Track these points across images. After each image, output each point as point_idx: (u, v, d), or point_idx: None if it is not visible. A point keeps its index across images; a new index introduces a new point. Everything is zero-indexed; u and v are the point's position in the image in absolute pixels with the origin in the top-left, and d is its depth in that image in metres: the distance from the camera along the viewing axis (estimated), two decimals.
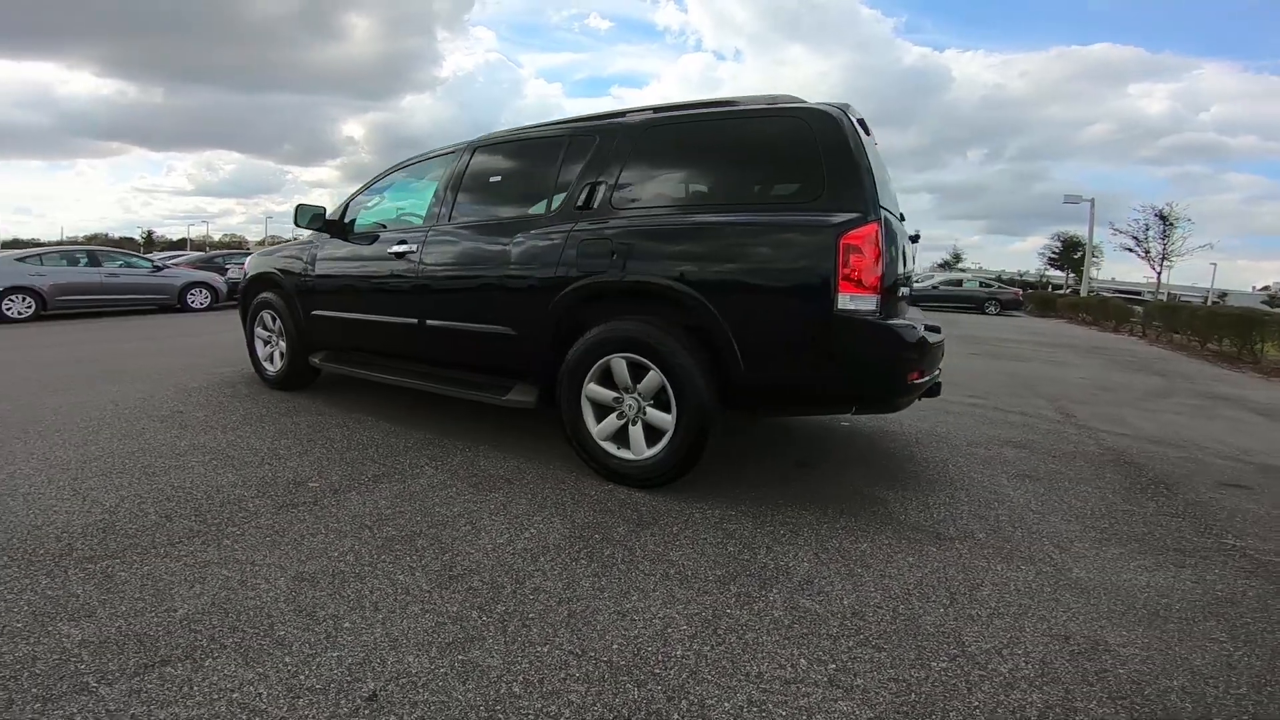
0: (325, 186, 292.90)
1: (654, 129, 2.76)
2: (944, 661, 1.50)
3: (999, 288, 21.82)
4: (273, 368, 4.22)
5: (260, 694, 1.33)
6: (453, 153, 3.44)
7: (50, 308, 9.32)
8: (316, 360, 3.88)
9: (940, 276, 25.60)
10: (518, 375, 2.98)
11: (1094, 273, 34.81)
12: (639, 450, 2.59)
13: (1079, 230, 32.50)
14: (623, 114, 2.96)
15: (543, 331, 2.77)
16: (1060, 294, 28.73)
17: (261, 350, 4.30)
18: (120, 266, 10.65)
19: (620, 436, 2.65)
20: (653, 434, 2.56)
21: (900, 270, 2.65)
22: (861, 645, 1.56)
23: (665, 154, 2.73)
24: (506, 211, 3.12)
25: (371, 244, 3.52)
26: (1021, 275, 54.31)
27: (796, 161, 2.41)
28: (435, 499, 2.44)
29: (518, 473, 2.77)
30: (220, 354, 5.63)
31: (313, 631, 1.56)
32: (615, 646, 1.54)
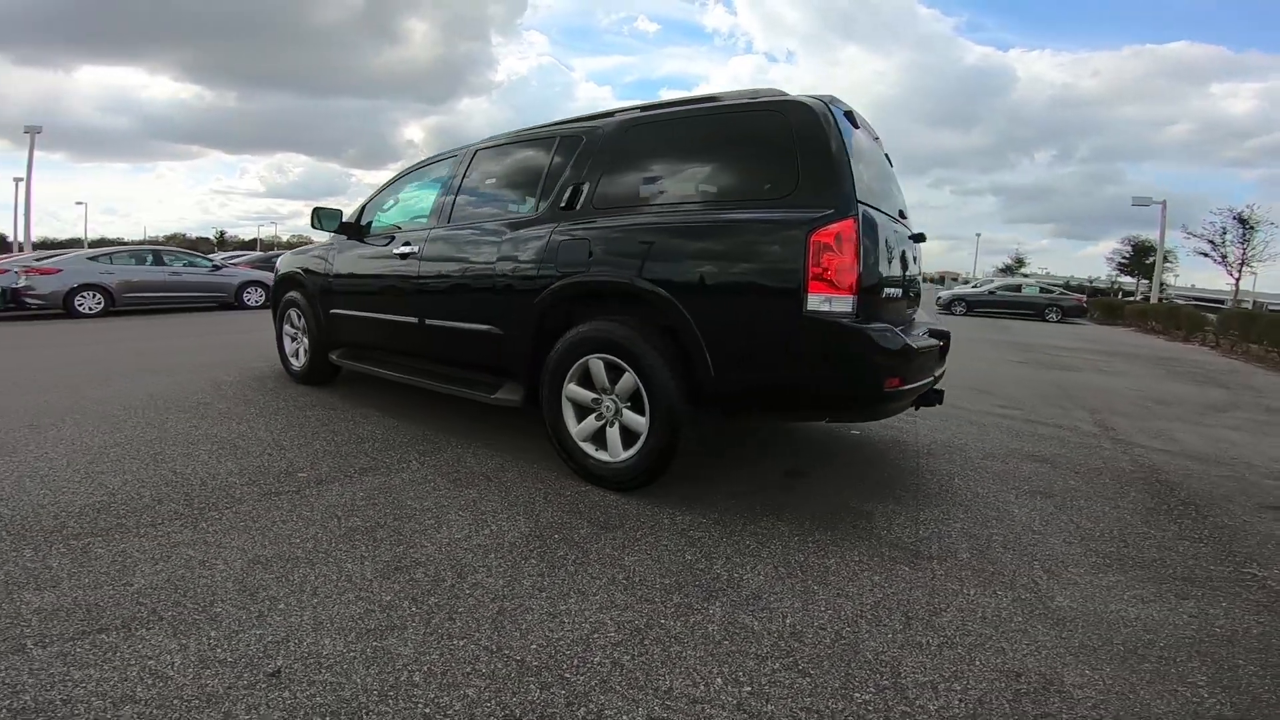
0: None
1: (634, 128, 2.74)
2: (869, 693, 1.40)
3: (1060, 294, 20.52)
4: (297, 363, 4.44)
5: (174, 663, 1.40)
6: (457, 155, 3.52)
7: (118, 304, 10.09)
8: (334, 357, 4.05)
9: (999, 281, 24.32)
10: (506, 374, 3.01)
11: (1171, 279, 32.16)
12: (615, 452, 2.56)
13: (1152, 234, 30.00)
14: (613, 114, 2.95)
15: (526, 331, 2.79)
16: (1129, 301, 26.69)
17: (288, 346, 4.52)
18: (182, 266, 11.40)
19: (599, 438, 2.63)
20: (629, 436, 2.53)
21: (892, 271, 2.53)
22: (788, 669, 1.48)
23: (644, 153, 2.70)
24: (498, 213, 3.16)
25: (382, 245, 3.64)
26: (1091, 281, 50.91)
27: (772, 157, 2.34)
28: (411, 493, 2.49)
29: (499, 470, 2.80)
30: (260, 350, 5.96)
31: (247, 610, 1.62)
32: (533, 647, 1.53)
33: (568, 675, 1.43)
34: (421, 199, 3.63)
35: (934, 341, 2.59)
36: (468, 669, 1.43)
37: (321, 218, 3.85)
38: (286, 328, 4.51)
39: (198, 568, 1.84)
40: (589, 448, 2.65)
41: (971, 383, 5.81)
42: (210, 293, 11.50)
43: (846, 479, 2.84)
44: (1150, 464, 3.37)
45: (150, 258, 11.13)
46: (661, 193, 2.61)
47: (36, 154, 24.12)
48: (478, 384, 3.09)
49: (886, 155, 3.16)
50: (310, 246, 4.51)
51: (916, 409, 2.81)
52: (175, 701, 1.29)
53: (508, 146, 3.31)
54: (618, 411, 2.55)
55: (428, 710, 1.30)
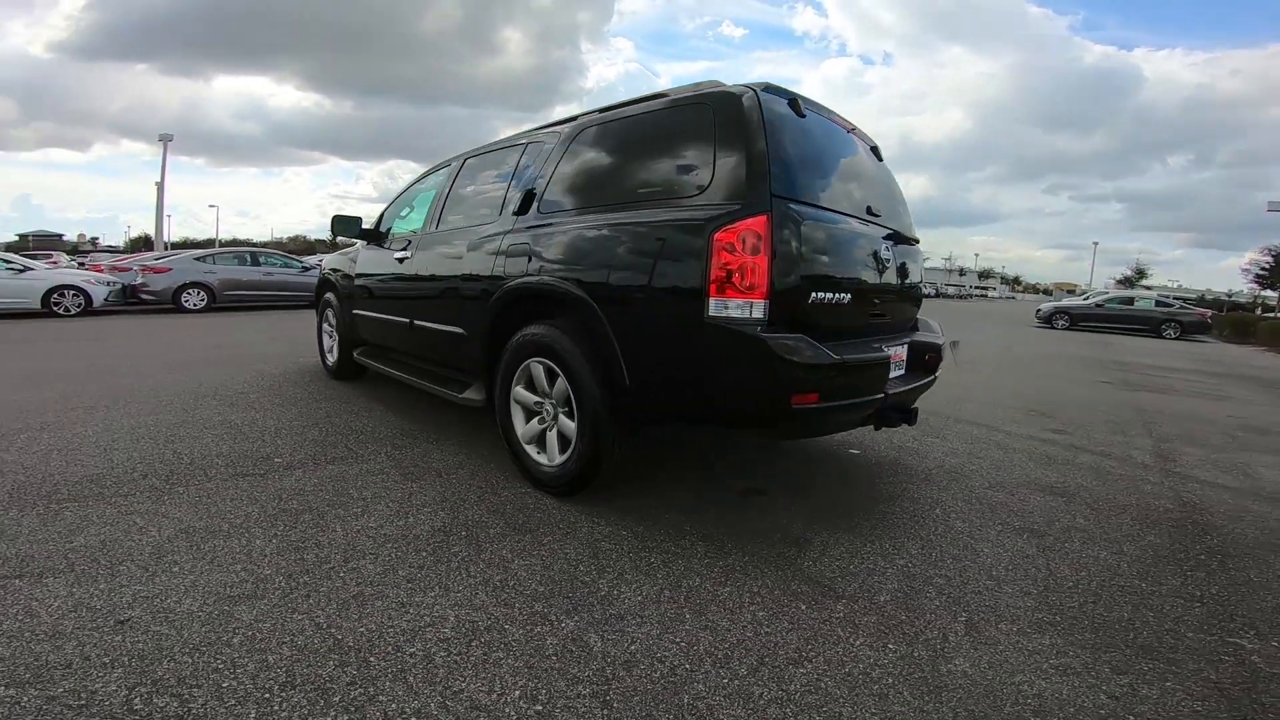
0: None
1: (582, 131, 2.74)
2: None
3: (1180, 308, 17.87)
4: (330, 359, 4.82)
5: (49, 606, 1.60)
6: (450, 163, 3.69)
7: (219, 300, 11.38)
8: (356, 355, 4.36)
9: (1113, 294, 21.61)
10: (474, 375, 3.10)
11: None
12: (551, 456, 2.57)
13: None
14: (576, 118, 2.97)
15: (484, 334, 2.86)
16: (1265, 317, 22.59)
17: (325, 343, 4.93)
18: (276, 267, 12.57)
19: (542, 441, 2.65)
20: (564, 441, 2.53)
21: (844, 274, 2.30)
22: (593, 696, 1.39)
23: (588, 156, 2.69)
24: (470, 218, 3.27)
25: (387, 250, 3.89)
26: (1230, 295, 43.87)
27: (695, 153, 2.23)
28: (360, 482, 2.63)
29: (455, 467, 2.89)
30: (315, 347, 6.53)
31: (145, 570, 1.80)
32: (362, 630, 1.57)
33: (372, 659, 1.46)
34: (422, 205, 3.84)
35: (883, 355, 2.30)
36: (285, 639, 1.51)
37: (340, 224, 4.16)
38: (324, 325, 4.92)
39: (134, 533, 2.05)
40: (532, 450, 2.67)
41: (1031, 403, 5.22)
42: (299, 291, 12.53)
43: (807, 501, 2.64)
44: (1197, 502, 2.87)
45: (248, 259, 12.43)
46: (597, 195, 2.59)
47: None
48: (452, 383, 3.21)
49: (875, 149, 2.95)
50: (346, 249, 4.88)
51: (877, 428, 2.54)
52: (26, 634, 1.48)
53: (489, 154, 3.42)
54: (555, 416, 2.55)
55: (220, 665, 1.40)
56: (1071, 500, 2.83)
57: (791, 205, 2.07)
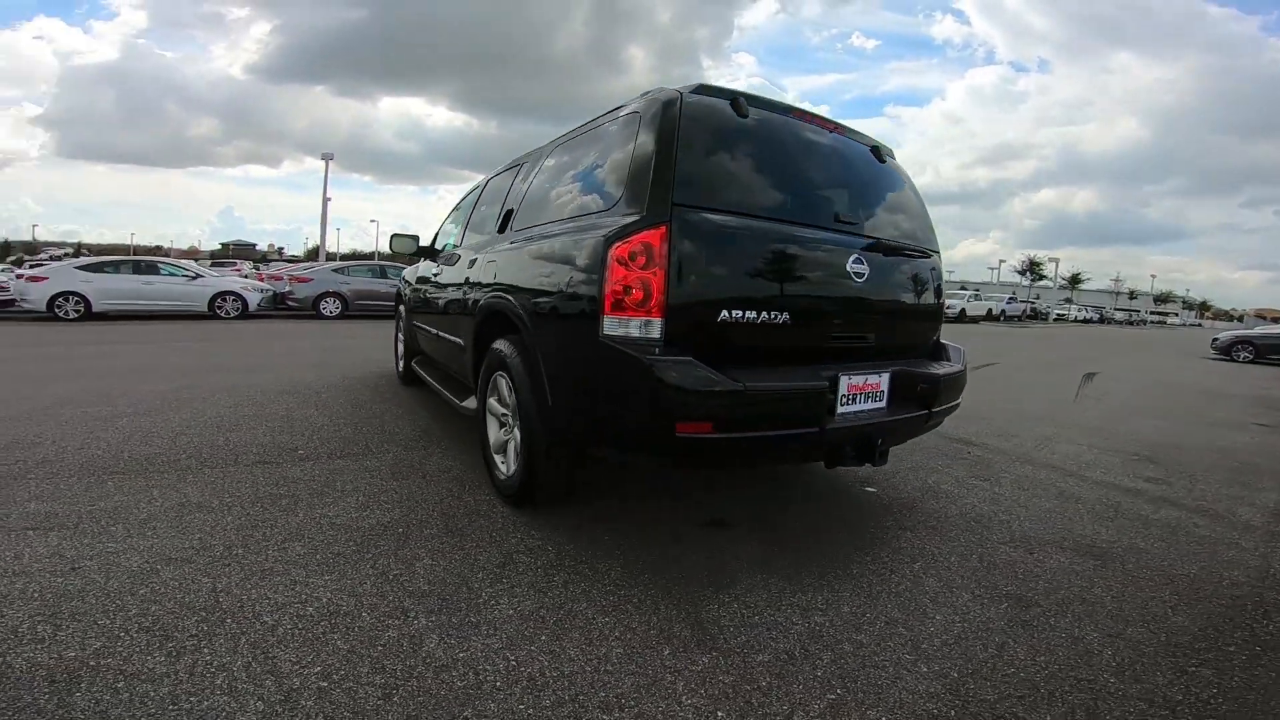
0: None
1: (553, 148, 2.82)
2: None
3: None
4: (400, 366, 5.33)
5: (31, 553, 1.99)
6: (478, 183, 3.97)
7: (351, 308, 12.79)
8: (414, 363, 4.79)
9: None
10: (472, 384, 3.29)
11: None
12: (509, 466, 2.64)
13: None
14: (558, 137, 3.06)
15: (471, 345, 3.03)
16: None
17: (398, 350, 5.46)
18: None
19: (505, 450, 2.73)
20: (517, 453, 2.59)
21: (788, 290, 2.10)
22: (378, 686, 1.44)
23: (547, 174, 2.75)
24: (479, 234, 3.48)
25: (430, 265, 4.25)
26: None
27: (617, 162, 2.19)
28: (350, 477, 2.90)
29: (443, 471, 3.07)
30: None
31: (126, 531, 2.17)
32: (242, 598, 1.77)
33: (228, 621, 1.65)
34: (459, 222, 4.15)
35: (814, 384, 2.00)
36: (178, 596, 1.78)
37: (397, 242, 4.59)
38: (398, 334, 5.46)
39: (143, 503, 2.45)
40: (498, 458, 2.76)
41: (1145, 446, 4.38)
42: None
43: (767, 540, 2.41)
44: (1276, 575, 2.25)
45: (379, 271, 13.87)
46: (543, 213, 2.63)
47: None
48: (461, 391, 3.42)
49: (877, 149, 2.67)
50: (417, 265, 5.37)
51: (828, 466, 2.25)
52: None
53: (502, 173, 3.63)
54: (514, 428, 2.62)
55: (110, 607, 1.69)
56: (1106, 565, 2.34)
57: (702, 214, 1.95)
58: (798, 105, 2.45)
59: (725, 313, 1.94)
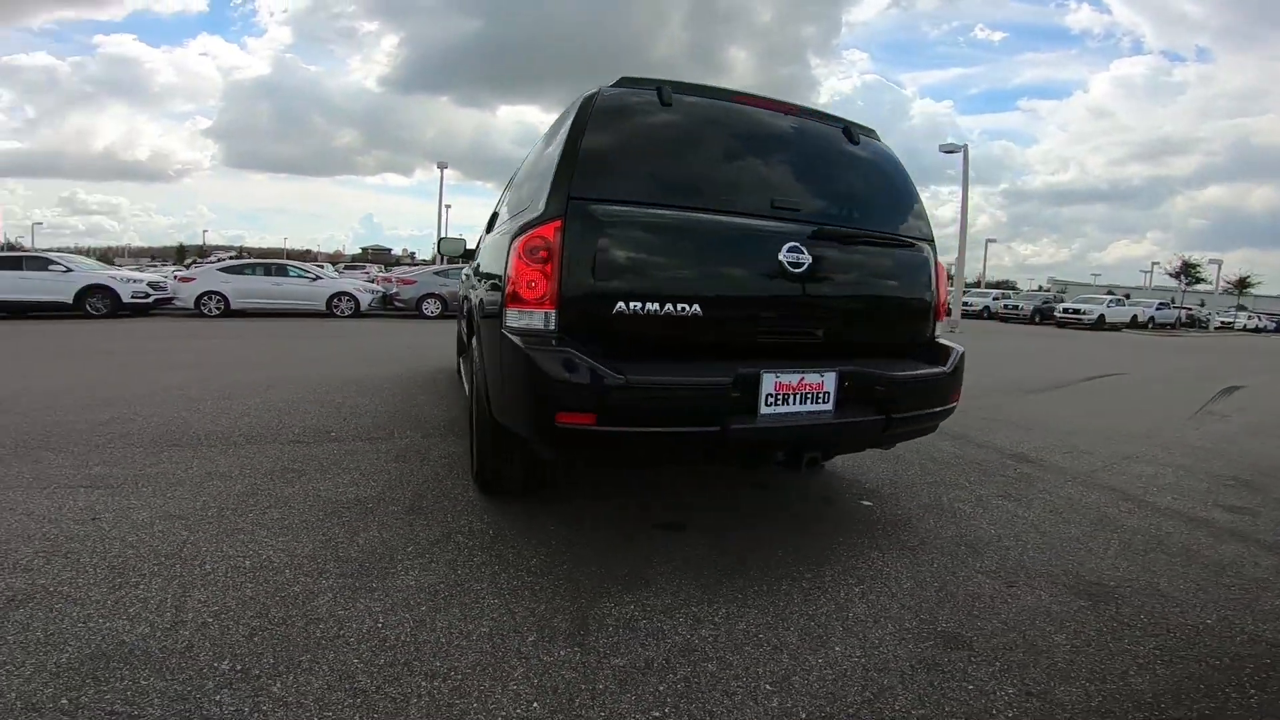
0: None
1: (530, 151, 2.93)
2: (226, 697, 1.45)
3: None
4: (458, 361, 5.74)
5: (74, 506, 2.40)
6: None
7: (449, 309, 13.46)
8: (460, 357, 5.14)
9: None
10: None
11: None
12: None
13: None
14: None
15: (459, 340, 3.24)
16: None
17: (459, 346, 5.88)
18: None
19: None
20: None
21: (694, 283, 2.02)
22: (221, 621, 1.63)
23: (520, 174, 2.86)
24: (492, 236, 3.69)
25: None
26: None
27: (547, 159, 2.24)
28: (359, 458, 3.20)
29: (443, 456, 3.29)
30: None
31: (154, 491, 2.58)
32: (198, 546, 2.07)
33: (176, 567, 1.90)
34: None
35: (714, 381, 1.92)
36: (155, 544, 2.09)
37: (445, 245, 4.92)
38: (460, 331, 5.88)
39: (180, 470, 2.88)
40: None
41: (1246, 471, 3.70)
42: None
43: (716, 548, 2.31)
44: None
45: None
46: (508, 211, 2.73)
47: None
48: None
49: (849, 130, 2.49)
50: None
51: (743, 467, 2.11)
52: (41, 517, 2.26)
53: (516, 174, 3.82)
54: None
55: (99, 547, 2.01)
56: (1096, 606, 2.01)
57: (603, 207, 1.96)
58: (749, 91, 2.37)
59: (623, 305, 1.93)
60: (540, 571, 2.07)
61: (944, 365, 2.41)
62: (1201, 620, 1.92)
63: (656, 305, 1.95)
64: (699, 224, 2.06)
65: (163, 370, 5.73)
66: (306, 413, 4.13)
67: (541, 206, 2.00)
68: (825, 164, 2.38)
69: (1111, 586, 2.14)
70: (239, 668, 1.49)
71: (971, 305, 27.14)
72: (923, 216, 2.54)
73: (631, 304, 1.93)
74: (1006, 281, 72.21)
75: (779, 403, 2.02)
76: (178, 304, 12.63)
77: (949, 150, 19.49)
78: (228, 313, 12.55)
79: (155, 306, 12.42)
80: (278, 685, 1.44)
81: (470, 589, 1.93)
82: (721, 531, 2.46)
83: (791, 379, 2.04)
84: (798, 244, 2.11)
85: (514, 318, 1.97)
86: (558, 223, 1.91)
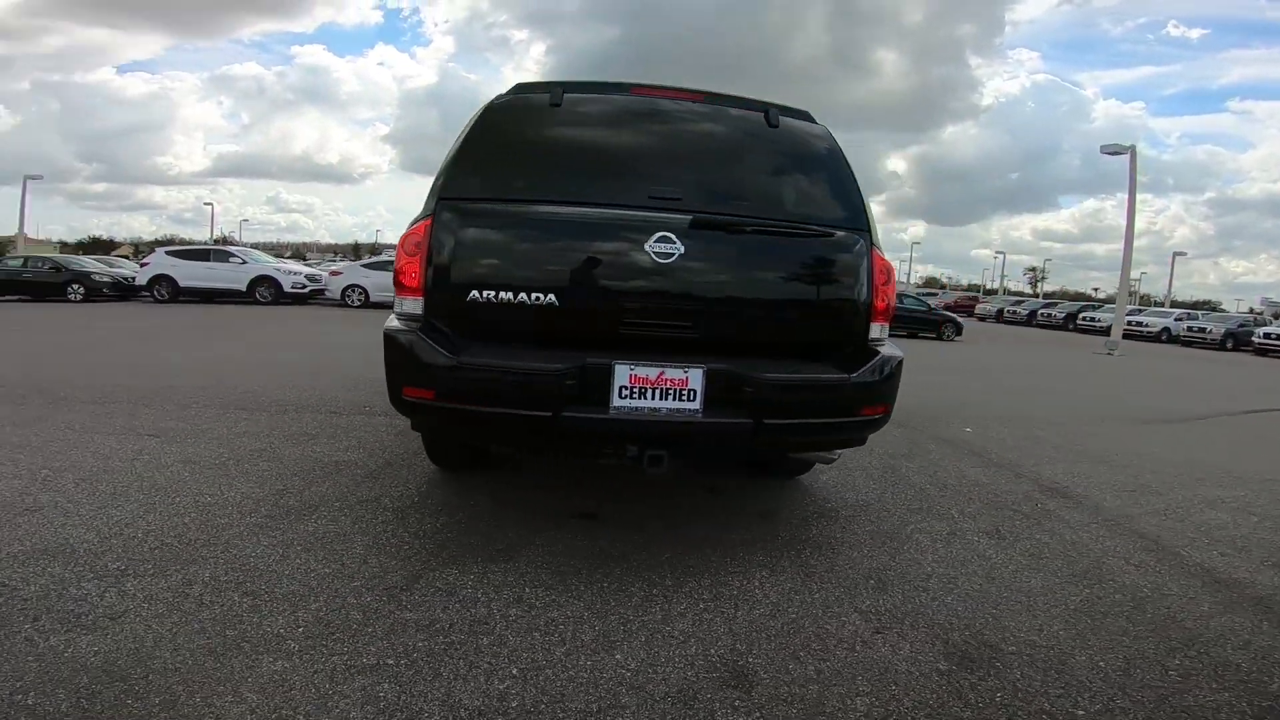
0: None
1: None
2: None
3: None
4: None
5: (129, 447, 3.01)
6: None
7: (370, 300, 13.70)
8: None
9: None
10: None
11: None
12: None
13: None
14: None
15: None
16: None
17: None
18: None
19: None
20: None
21: (547, 274, 2.09)
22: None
23: None
24: None
25: None
26: None
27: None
28: (366, 430, 3.65)
29: None
30: None
31: (191, 440, 3.18)
32: (174, 482, 2.51)
33: (144, 489, 2.40)
34: None
35: (546, 368, 1.96)
36: (149, 475, 2.60)
37: None
38: None
39: (220, 428, 3.50)
40: None
41: None
42: None
43: (611, 538, 2.34)
44: None
45: None
46: None
47: None
48: None
49: (769, 112, 2.36)
50: None
51: (595, 457, 2.17)
52: (92, 453, 2.86)
53: None
54: None
55: (114, 476, 2.52)
56: (956, 675, 1.68)
57: (470, 204, 2.11)
58: (657, 84, 2.37)
59: (476, 294, 2.04)
60: (425, 535, 2.28)
61: (849, 372, 2.16)
62: (1089, 711, 1.57)
63: (510, 294, 2.04)
64: (561, 217, 2.13)
65: (279, 350, 6.77)
66: (363, 389, 4.67)
67: (423, 207, 2.20)
68: (727, 151, 2.31)
69: (1004, 653, 1.76)
70: (119, 567, 1.88)
71: (1146, 327, 23.29)
72: (853, 204, 2.31)
73: (485, 293, 2.04)
74: (1206, 302, 60.97)
75: (636, 396, 2.00)
76: (328, 295, 14.68)
77: (1113, 152, 16.64)
78: (368, 304, 14.28)
79: (311, 296, 14.57)
80: (131, 583, 1.80)
81: (352, 539, 2.19)
82: (631, 528, 2.47)
83: (649, 373, 2.00)
84: (668, 234, 2.04)
85: (398, 305, 2.19)
86: (428, 221, 2.10)
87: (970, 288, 57.45)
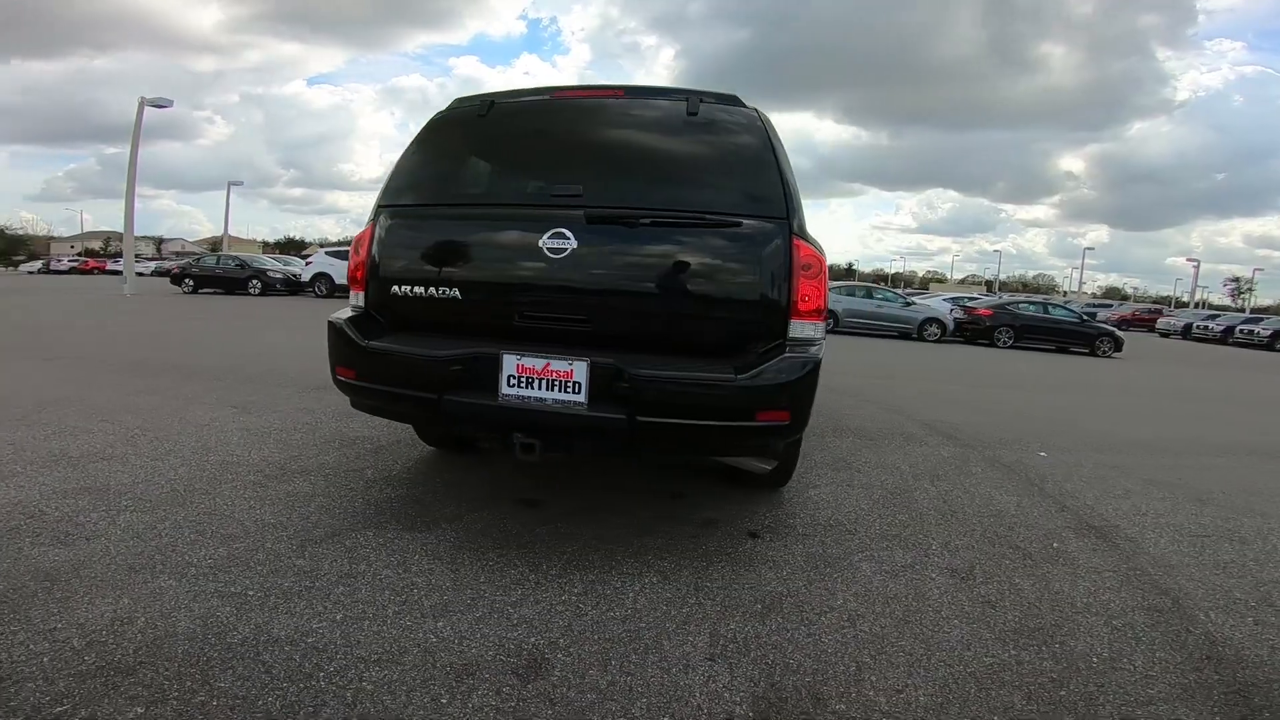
0: (1041, 226, 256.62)
1: None
2: None
3: None
4: None
5: (205, 415, 3.70)
6: None
7: (840, 326, 14.00)
8: None
9: None
10: None
11: None
12: None
13: None
14: None
15: None
16: None
17: None
18: (882, 299, 15.21)
19: None
20: None
21: (453, 271, 2.26)
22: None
23: None
24: None
25: None
26: None
27: None
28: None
29: None
30: None
31: (243, 409, 3.81)
32: (194, 425, 3.02)
33: (161, 428, 2.91)
34: None
35: (435, 354, 2.14)
36: (179, 425, 3.22)
37: None
38: None
39: (290, 403, 4.14)
40: None
41: None
42: (899, 323, 14.87)
43: (528, 527, 2.45)
44: None
45: (862, 291, 15.53)
46: None
47: None
48: None
49: (693, 100, 2.32)
50: None
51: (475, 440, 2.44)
52: (180, 420, 3.57)
53: None
54: None
55: (159, 424, 3.13)
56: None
57: (395, 210, 2.39)
58: (579, 85, 2.49)
59: (397, 289, 2.31)
60: (375, 502, 2.58)
61: (740, 372, 2.03)
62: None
63: (421, 289, 2.27)
64: (467, 217, 2.34)
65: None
66: None
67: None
68: (636, 144, 2.34)
69: (823, 711, 1.51)
70: (127, 504, 2.38)
71: None
72: (768, 190, 2.17)
73: (403, 288, 2.31)
74: None
75: (524, 386, 2.09)
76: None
77: None
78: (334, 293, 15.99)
79: None
80: (124, 516, 2.27)
81: (311, 500, 2.55)
82: (561, 519, 2.52)
83: (536, 363, 2.08)
84: (562, 230, 2.11)
85: (352, 297, 2.51)
86: (370, 226, 2.43)
87: (1159, 299, 48.40)
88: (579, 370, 2.06)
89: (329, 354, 2.40)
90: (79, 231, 75.58)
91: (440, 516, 2.47)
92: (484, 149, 2.49)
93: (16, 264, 48.84)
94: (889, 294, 16.32)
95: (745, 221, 2.17)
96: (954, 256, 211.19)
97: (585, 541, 2.34)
